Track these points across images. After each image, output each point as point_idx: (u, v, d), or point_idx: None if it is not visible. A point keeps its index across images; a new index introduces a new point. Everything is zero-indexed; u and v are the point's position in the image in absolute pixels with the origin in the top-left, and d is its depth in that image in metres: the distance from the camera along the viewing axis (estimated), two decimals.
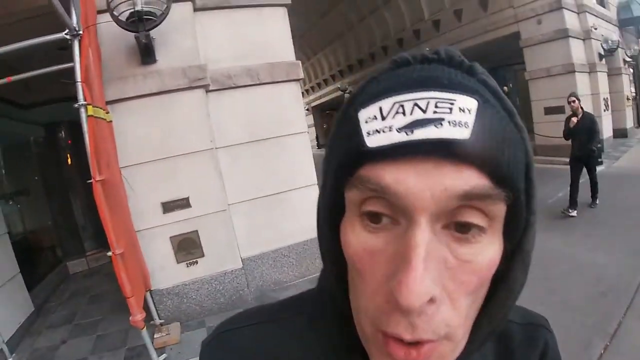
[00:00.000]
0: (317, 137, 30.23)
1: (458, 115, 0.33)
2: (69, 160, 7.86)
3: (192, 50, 4.38)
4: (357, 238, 0.37)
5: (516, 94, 14.95)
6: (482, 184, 0.33)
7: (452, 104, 0.33)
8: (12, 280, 5.10)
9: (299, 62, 4.94)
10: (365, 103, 0.37)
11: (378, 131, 0.34)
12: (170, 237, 4.28)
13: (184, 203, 4.31)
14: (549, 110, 11.04)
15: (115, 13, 3.64)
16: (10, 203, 6.71)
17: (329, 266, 0.45)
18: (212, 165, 4.44)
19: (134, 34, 3.81)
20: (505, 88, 14.25)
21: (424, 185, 0.32)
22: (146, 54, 4.12)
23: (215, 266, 4.44)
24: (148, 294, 4.10)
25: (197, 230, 4.36)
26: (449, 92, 0.34)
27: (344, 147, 0.37)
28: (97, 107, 3.37)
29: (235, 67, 4.57)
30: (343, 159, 0.37)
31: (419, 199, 0.32)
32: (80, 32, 3.23)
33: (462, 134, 0.32)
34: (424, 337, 0.33)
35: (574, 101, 6.25)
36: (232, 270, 4.53)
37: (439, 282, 0.33)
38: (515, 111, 0.38)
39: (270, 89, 4.72)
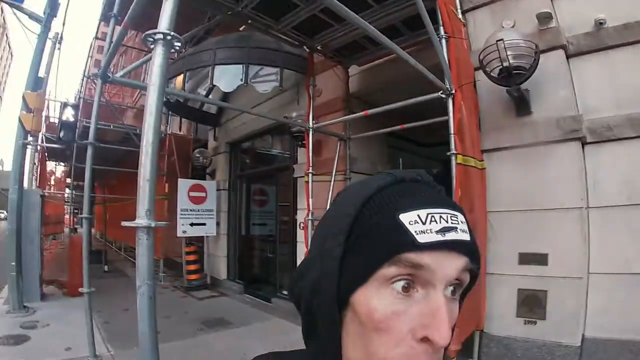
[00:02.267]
0: None
1: (462, 225, 0.54)
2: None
3: (567, 99, 4.11)
4: (385, 304, 0.50)
5: None
6: (470, 264, 0.54)
7: (456, 217, 0.54)
8: None
9: None
10: (402, 209, 0.52)
11: (423, 232, 0.50)
12: (518, 289, 4.13)
13: (540, 259, 4.04)
14: None
15: (487, 69, 3.88)
16: None
17: (328, 327, 0.54)
18: (578, 226, 3.94)
19: (505, 88, 3.97)
20: None
21: (448, 265, 0.51)
22: (520, 105, 4.20)
23: (551, 334, 3.93)
24: (477, 334, 4.16)
25: (546, 291, 4.00)
26: (453, 210, 0.55)
27: (391, 238, 0.51)
28: (467, 156, 3.78)
29: (615, 117, 3.91)
30: (391, 247, 0.50)
31: (446, 273, 0.51)
32: (452, 91, 3.66)
33: (467, 237, 0.54)
34: None
35: None
36: (566, 345, 3.84)
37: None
38: None
39: None
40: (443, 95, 3.72)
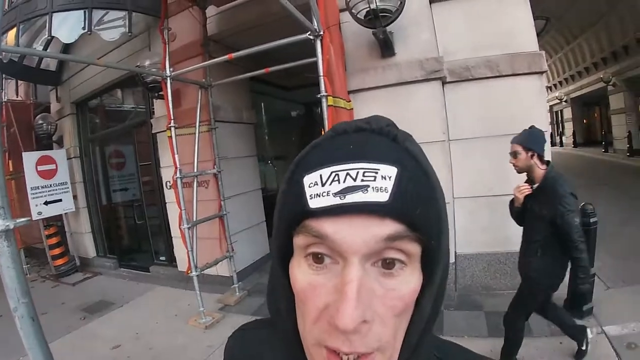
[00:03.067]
0: (574, 134, 25.98)
1: (380, 182, 0.43)
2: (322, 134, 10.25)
3: (429, 42, 4.36)
4: (303, 275, 0.46)
5: None
6: (399, 229, 0.43)
7: (376, 173, 0.43)
8: (258, 225, 6.74)
9: (542, 52, 4.30)
10: (309, 170, 0.46)
11: (318, 195, 0.44)
12: None
13: None
14: None
15: (353, 11, 3.86)
16: (269, 164, 8.54)
17: (280, 299, 0.53)
18: (441, 157, 4.35)
19: (371, 30, 3.98)
20: None
21: (356, 234, 0.42)
22: (385, 47, 4.28)
23: None
24: None
25: None
26: (375, 162, 0.44)
27: (293, 204, 0.46)
28: (337, 97, 3.73)
29: (473, 59, 4.33)
30: (292, 214, 0.46)
31: (352, 245, 0.42)
32: (321, 32, 3.55)
33: (382, 197, 0.42)
34: (358, 350, 0.43)
35: (514, 153, 2.94)
36: None
37: (369, 307, 0.43)
38: (431, 172, 0.48)
39: (509, 81, 4.28)
40: (311, 37, 3.57)
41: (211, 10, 5.35)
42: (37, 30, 5.52)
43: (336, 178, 0.43)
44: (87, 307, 5.85)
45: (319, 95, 3.55)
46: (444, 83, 4.36)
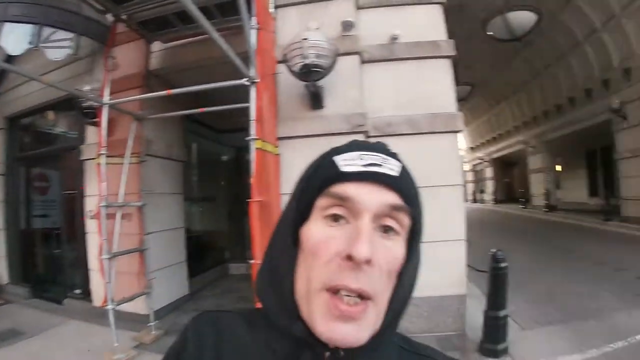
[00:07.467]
0: (495, 192, 28.44)
1: (392, 166, 0.60)
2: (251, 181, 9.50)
3: (356, 99, 4.71)
4: (319, 231, 0.58)
5: None
6: (400, 202, 0.58)
7: (388, 160, 0.60)
8: (179, 264, 6.63)
9: (460, 113, 4.80)
10: (341, 153, 0.61)
11: (349, 165, 0.58)
12: None
13: None
14: None
15: (290, 64, 4.12)
16: (195, 205, 8.34)
17: (281, 261, 0.63)
18: None
19: (304, 83, 4.29)
20: None
21: (372, 196, 0.57)
22: (315, 100, 4.57)
23: None
24: None
25: None
26: (387, 156, 0.61)
27: (325, 173, 0.60)
28: (265, 141, 3.94)
29: (396, 116, 4.70)
30: (323, 179, 0.59)
31: (368, 204, 0.56)
32: (256, 80, 3.79)
33: (393, 172, 0.59)
34: (364, 287, 0.54)
35: None
36: None
37: (374, 253, 0.54)
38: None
39: (428, 139, 4.67)
40: (247, 83, 3.80)
41: (156, 46, 5.53)
42: None
43: (363, 157, 0.59)
44: None
45: (247, 138, 3.73)
46: (367, 137, 4.62)
